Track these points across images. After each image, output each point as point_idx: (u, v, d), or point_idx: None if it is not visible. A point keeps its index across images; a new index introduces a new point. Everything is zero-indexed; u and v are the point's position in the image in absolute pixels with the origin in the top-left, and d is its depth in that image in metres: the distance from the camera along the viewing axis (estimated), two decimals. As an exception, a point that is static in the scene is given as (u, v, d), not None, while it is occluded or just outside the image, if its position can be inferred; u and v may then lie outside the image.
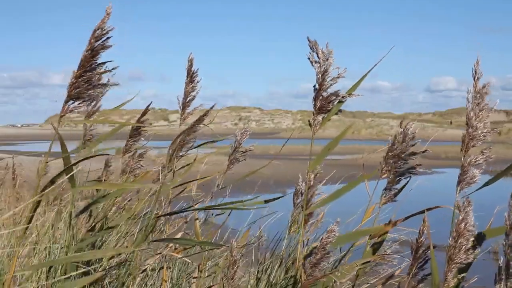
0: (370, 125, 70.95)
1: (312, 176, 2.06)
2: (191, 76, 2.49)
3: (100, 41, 1.68)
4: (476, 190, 1.77)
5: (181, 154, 2.51)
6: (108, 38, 1.69)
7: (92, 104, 2.75)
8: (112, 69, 1.78)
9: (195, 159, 2.69)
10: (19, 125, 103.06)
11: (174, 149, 2.49)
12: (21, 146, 42.16)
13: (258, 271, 2.58)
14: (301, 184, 2.64)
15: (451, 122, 71.70)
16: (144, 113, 2.82)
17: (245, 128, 2.80)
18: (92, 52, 1.67)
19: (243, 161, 2.83)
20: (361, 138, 54.87)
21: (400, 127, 2.14)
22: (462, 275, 1.70)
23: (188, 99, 2.52)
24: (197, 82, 2.50)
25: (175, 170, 2.60)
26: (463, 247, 1.63)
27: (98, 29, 1.67)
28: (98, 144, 2.70)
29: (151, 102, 2.84)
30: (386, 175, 2.14)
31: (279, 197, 2.41)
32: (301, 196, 2.67)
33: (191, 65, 2.49)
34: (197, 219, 2.69)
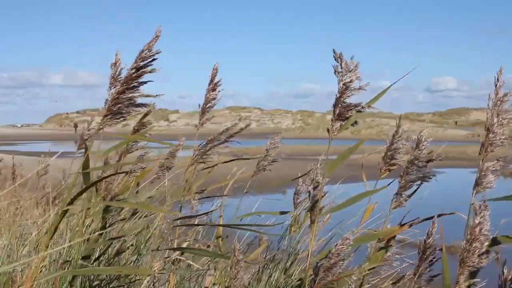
0: (370, 125, 70.94)
1: (321, 178, 2.06)
2: (214, 84, 2.50)
3: (146, 61, 1.67)
4: (495, 199, 1.75)
5: (202, 160, 2.56)
6: (154, 60, 1.68)
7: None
8: (157, 95, 1.78)
9: (216, 164, 2.70)
10: (19, 125, 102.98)
11: (198, 154, 2.54)
12: (21, 146, 42.17)
13: (258, 271, 2.59)
14: (301, 184, 2.64)
15: (456, 123, 71.93)
16: (146, 114, 2.81)
17: (276, 140, 2.84)
18: (137, 72, 1.67)
19: (244, 161, 2.84)
20: (361, 138, 54.86)
21: (396, 126, 2.15)
22: (473, 280, 1.69)
23: (208, 105, 2.53)
24: (219, 91, 2.51)
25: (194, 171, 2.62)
26: (477, 250, 1.62)
27: (145, 50, 1.66)
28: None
29: (153, 103, 2.83)
30: (385, 174, 2.14)
31: (288, 212, 2.43)
32: (301, 196, 2.68)
33: (215, 73, 2.49)
34: (220, 237, 2.68)
